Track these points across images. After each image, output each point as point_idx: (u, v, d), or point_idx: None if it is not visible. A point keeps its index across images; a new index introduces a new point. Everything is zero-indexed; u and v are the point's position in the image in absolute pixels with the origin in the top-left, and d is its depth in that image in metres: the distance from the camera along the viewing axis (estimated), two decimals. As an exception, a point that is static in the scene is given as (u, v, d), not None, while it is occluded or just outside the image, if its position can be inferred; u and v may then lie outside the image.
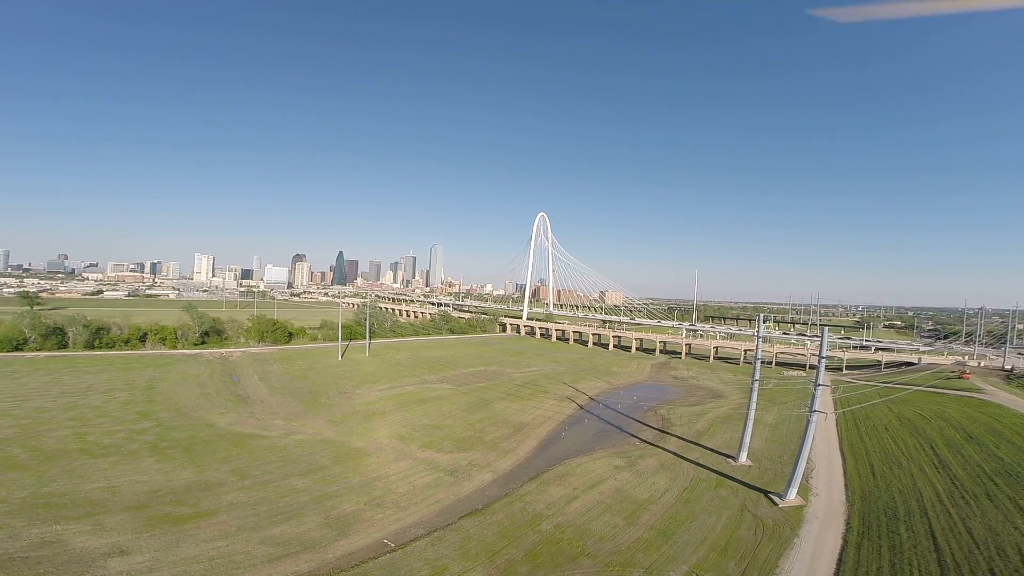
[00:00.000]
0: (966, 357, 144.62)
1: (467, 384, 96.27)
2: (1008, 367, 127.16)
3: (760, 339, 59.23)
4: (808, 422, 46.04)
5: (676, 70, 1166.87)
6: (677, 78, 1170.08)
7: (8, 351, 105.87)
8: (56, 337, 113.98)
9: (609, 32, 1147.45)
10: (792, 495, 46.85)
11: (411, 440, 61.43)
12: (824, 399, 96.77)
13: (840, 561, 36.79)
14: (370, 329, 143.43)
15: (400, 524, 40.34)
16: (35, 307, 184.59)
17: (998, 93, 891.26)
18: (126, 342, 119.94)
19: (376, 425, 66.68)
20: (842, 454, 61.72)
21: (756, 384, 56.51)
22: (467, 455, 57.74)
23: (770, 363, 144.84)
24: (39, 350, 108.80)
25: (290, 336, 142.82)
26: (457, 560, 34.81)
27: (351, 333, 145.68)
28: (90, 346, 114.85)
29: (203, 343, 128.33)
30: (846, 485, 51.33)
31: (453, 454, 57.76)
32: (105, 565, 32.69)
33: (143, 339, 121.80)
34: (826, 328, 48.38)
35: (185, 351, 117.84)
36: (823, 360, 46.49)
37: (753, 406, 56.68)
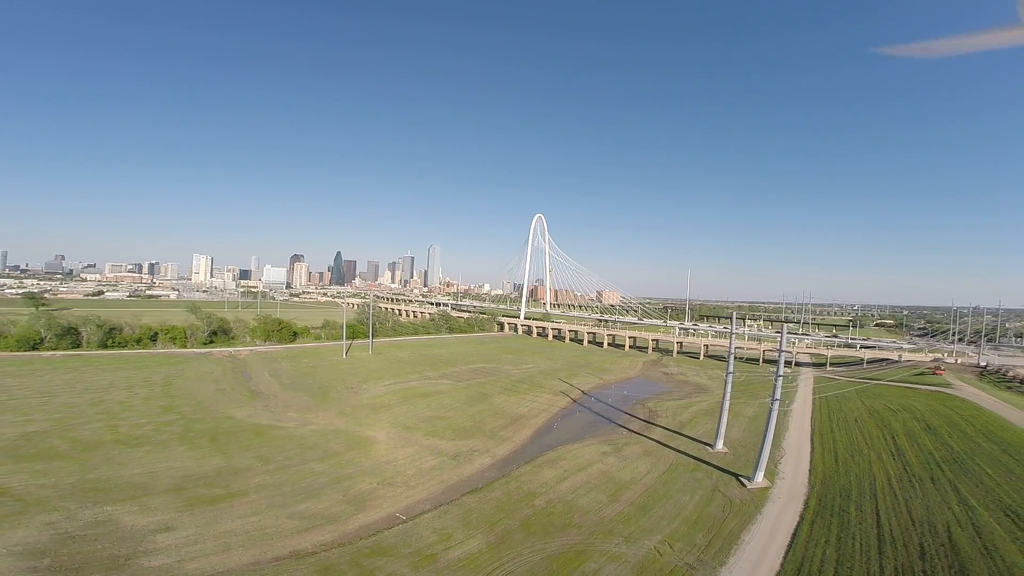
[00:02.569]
0: (945, 355, 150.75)
1: (467, 380, 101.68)
2: (983, 364, 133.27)
3: (733, 336, 64.71)
4: (770, 410, 51.55)
5: (672, 70, 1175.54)
6: (674, 78, 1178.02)
7: (25, 350, 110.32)
8: (70, 337, 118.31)
9: (606, 32, 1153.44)
10: (759, 478, 52.28)
11: (416, 430, 66.80)
12: (805, 393, 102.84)
13: (795, 534, 42.07)
14: (373, 328, 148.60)
15: (409, 500, 45.76)
16: (40, 308, 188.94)
17: (995, 94, 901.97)
18: (138, 341, 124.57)
19: (383, 417, 71.98)
20: (812, 443, 67.22)
21: (730, 377, 62.04)
22: (468, 442, 63.22)
23: (758, 361, 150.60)
24: (54, 349, 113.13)
25: (295, 335, 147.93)
26: (460, 529, 40.19)
27: (353, 332, 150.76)
28: (103, 345, 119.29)
29: (211, 342, 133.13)
30: (810, 470, 56.77)
31: (455, 441, 63.20)
32: (155, 540, 37.22)
33: (154, 339, 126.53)
34: (786, 325, 54.06)
35: (195, 350, 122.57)
36: (783, 354, 52.08)
37: (727, 398, 62.17)
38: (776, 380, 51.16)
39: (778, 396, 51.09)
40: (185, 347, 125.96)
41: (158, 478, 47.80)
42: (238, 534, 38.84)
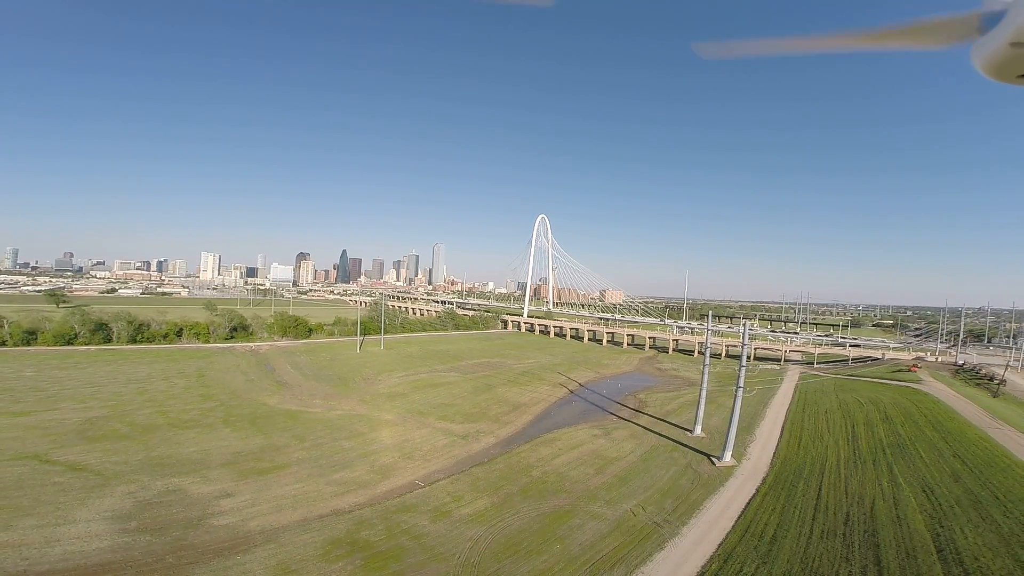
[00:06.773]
0: (928, 354, 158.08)
1: (473, 373, 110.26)
2: (960, 362, 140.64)
3: (709, 332, 72.93)
4: (735, 396, 59.77)
5: (675, 67, 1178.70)
6: (677, 74, 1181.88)
7: (61, 345, 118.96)
8: (102, 332, 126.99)
9: (607, 28, 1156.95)
10: (727, 457, 60.26)
11: (429, 414, 75.51)
12: (787, 389, 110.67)
13: (748, 503, 49.84)
14: (384, 325, 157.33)
15: (426, 470, 54.31)
16: (61, 305, 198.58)
17: (997, 91, 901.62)
18: (164, 336, 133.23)
19: (399, 404, 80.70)
20: (782, 431, 75.18)
21: (707, 369, 70.48)
22: (475, 425, 71.91)
23: (748, 357, 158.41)
24: (88, 344, 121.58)
25: (310, 331, 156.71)
26: (470, 493, 48.60)
27: (364, 328, 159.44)
28: (132, 340, 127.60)
29: (232, 338, 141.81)
30: (775, 453, 64.73)
31: (464, 424, 71.91)
32: (219, 504, 44.63)
33: (179, 334, 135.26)
34: (746, 322, 62.08)
35: (218, 345, 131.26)
36: (745, 347, 60.21)
37: (704, 388, 70.48)
38: (739, 370, 59.39)
39: (741, 384, 59.27)
40: (208, 342, 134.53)
41: (212, 455, 55.82)
42: (287, 498, 46.74)
